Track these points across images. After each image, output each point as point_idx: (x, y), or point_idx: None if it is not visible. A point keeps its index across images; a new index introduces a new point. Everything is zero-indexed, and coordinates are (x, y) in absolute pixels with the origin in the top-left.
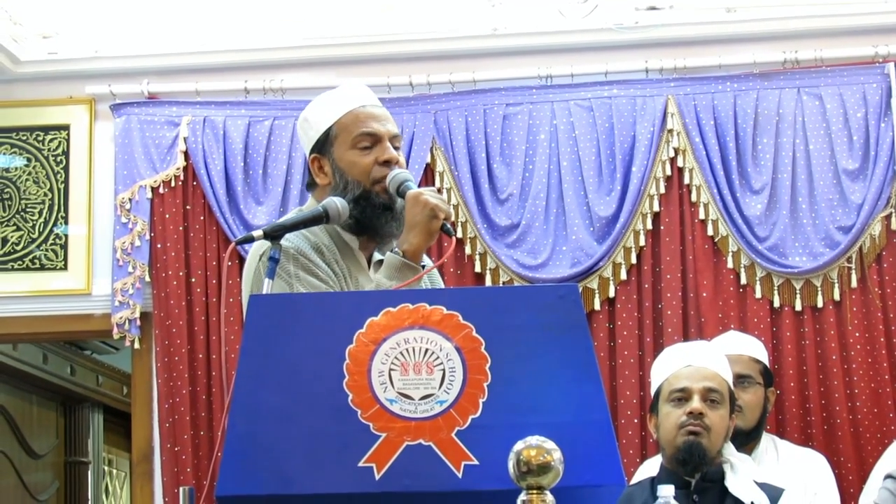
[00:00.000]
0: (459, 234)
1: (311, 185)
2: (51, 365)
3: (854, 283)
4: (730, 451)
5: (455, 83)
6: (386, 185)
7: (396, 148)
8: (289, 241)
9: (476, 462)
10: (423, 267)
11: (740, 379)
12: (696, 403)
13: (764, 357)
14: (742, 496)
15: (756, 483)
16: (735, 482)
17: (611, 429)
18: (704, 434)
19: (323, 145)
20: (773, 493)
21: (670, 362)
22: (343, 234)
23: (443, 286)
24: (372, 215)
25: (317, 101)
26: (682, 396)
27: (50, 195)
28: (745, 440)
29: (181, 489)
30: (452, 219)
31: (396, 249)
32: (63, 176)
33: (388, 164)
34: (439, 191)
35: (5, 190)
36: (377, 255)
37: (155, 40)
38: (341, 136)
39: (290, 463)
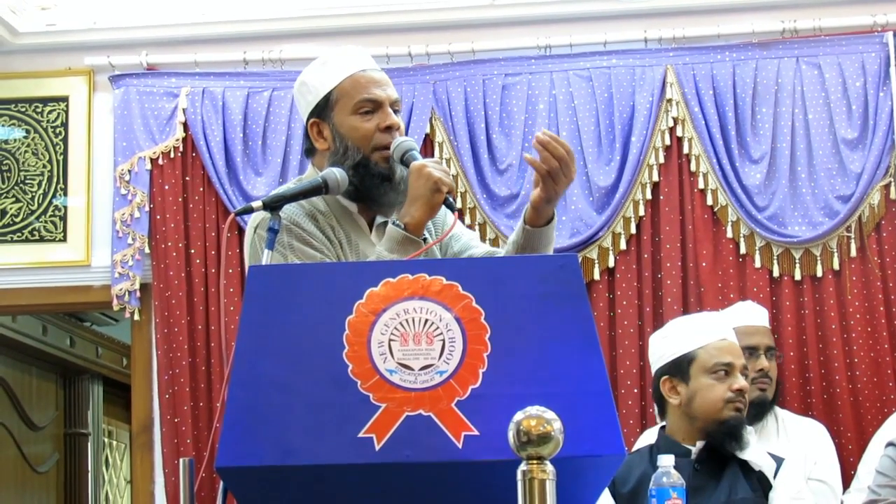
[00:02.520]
0: (459, 205)
1: (309, 151)
2: (50, 336)
3: (853, 253)
4: None
5: (454, 53)
6: (390, 152)
7: (396, 112)
8: (284, 210)
9: (476, 432)
10: (425, 239)
11: (769, 351)
12: (742, 381)
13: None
14: (752, 462)
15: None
16: (747, 452)
17: (611, 399)
18: (745, 408)
19: (323, 110)
20: (775, 461)
21: (705, 332)
22: (341, 200)
23: (469, 233)
24: (370, 184)
25: (315, 65)
26: (727, 371)
27: (49, 167)
28: (766, 409)
29: (181, 460)
30: (455, 192)
31: (397, 221)
32: (62, 147)
33: (389, 130)
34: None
35: (4, 162)
36: (380, 219)
37: (153, 11)
38: (342, 100)
39: (289, 434)
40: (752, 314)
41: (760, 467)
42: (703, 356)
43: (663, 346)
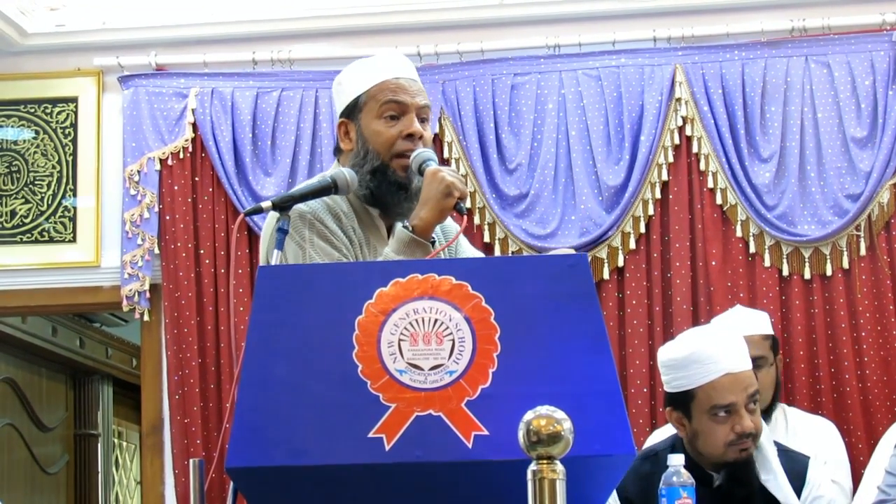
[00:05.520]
0: (468, 205)
1: (337, 150)
2: (60, 337)
3: (863, 251)
4: None
5: (463, 53)
6: (409, 162)
7: (424, 119)
8: (308, 206)
9: (486, 432)
10: (433, 242)
11: (756, 361)
12: (747, 422)
13: (770, 328)
14: (780, 496)
15: (782, 450)
16: (772, 482)
17: (620, 398)
18: (753, 446)
19: (352, 111)
20: (800, 462)
21: (703, 367)
22: (364, 203)
23: (473, 253)
24: (386, 191)
25: (353, 67)
26: (729, 410)
27: (58, 167)
28: (763, 416)
29: (191, 461)
30: (467, 198)
31: (406, 223)
32: (71, 148)
33: (411, 137)
34: (448, 163)
35: (14, 163)
36: (397, 224)
37: (163, 12)
38: (370, 103)
39: (299, 434)
40: (742, 324)
41: (785, 499)
42: (701, 396)
43: (666, 373)
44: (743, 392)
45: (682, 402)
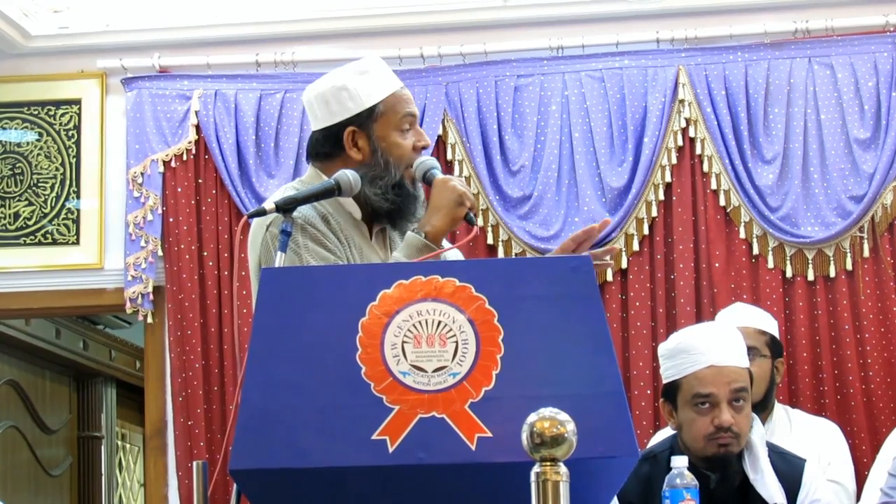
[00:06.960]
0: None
1: (327, 156)
2: (63, 340)
3: (866, 253)
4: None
5: (466, 55)
6: (412, 169)
7: None
8: (298, 211)
9: (489, 434)
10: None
11: (748, 351)
12: (725, 415)
13: (771, 328)
14: (765, 495)
15: (777, 452)
16: (759, 481)
17: (624, 400)
18: (734, 443)
19: (365, 120)
20: (796, 465)
21: (689, 357)
22: (346, 205)
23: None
24: (409, 203)
25: (352, 72)
26: (710, 402)
27: (62, 170)
28: (755, 412)
29: (195, 463)
30: (476, 209)
31: (417, 230)
32: (75, 150)
33: (423, 149)
34: (451, 164)
35: (17, 165)
36: (377, 226)
37: (166, 14)
38: (387, 115)
39: (303, 436)
40: (737, 316)
41: (771, 498)
42: (685, 386)
43: (661, 364)
44: (725, 385)
45: (671, 393)
